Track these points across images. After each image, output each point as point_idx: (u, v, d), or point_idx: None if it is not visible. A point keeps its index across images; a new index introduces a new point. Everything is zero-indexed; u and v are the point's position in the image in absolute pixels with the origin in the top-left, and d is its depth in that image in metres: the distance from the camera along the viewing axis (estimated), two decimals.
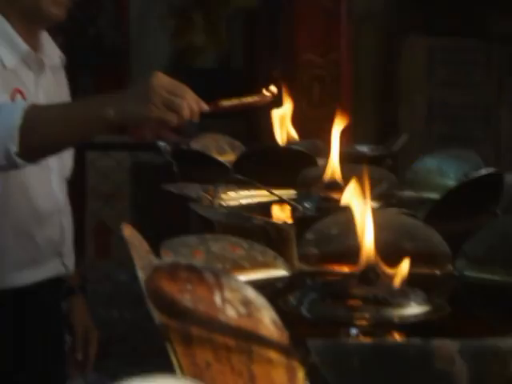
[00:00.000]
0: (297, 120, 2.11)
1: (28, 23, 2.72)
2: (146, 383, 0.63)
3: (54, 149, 2.48)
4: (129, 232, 1.10)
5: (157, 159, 3.85)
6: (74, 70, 5.30)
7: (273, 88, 2.40)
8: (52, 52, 2.88)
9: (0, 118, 2.32)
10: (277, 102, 2.32)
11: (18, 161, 2.33)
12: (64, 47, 5.17)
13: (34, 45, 2.74)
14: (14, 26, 2.69)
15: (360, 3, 4.65)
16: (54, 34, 5.10)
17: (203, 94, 5.51)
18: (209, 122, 4.35)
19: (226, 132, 2.52)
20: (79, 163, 4.62)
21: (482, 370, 0.87)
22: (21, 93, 2.69)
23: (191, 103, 2.27)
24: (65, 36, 5.22)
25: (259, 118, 3.95)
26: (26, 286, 2.75)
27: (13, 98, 2.65)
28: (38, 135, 2.36)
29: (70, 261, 2.96)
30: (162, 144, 2.20)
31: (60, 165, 2.85)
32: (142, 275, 1.01)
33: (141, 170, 4.73)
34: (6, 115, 2.33)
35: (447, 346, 0.86)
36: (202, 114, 2.24)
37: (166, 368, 1.02)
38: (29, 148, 2.35)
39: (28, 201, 2.74)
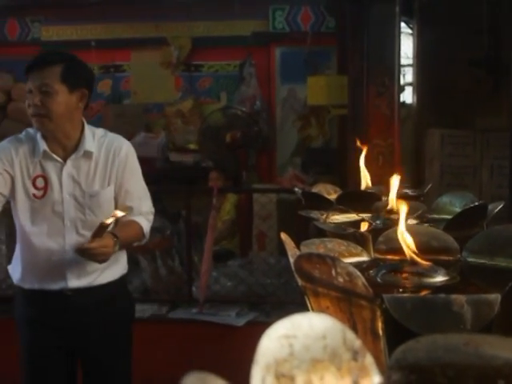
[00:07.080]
0: (370, 176, 2.08)
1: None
2: (303, 317, 0.61)
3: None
4: (284, 237, 1.12)
5: (292, 197, 3.90)
6: (246, 150, 5.41)
7: (116, 214, 2.31)
8: (84, 149, 2.57)
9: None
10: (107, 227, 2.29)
11: None
12: (241, 138, 5.27)
13: (56, 147, 2.57)
14: (45, 137, 2.55)
15: (403, 111, 4.59)
16: (236, 130, 5.18)
17: (315, 161, 5.42)
18: (320, 177, 4.38)
19: (329, 182, 2.51)
20: (253, 202, 4.71)
21: (478, 311, 0.86)
22: (43, 176, 2.54)
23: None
24: (242, 132, 5.30)
25: (348, 175, 3.96)
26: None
27: (34, 181, 2.53)
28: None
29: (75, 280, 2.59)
30: (296, 189, 2.20)
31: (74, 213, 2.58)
32: (291, 260, 1.03)
33: (283, 203, 4.74)
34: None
35: (459, 298, 0.86)
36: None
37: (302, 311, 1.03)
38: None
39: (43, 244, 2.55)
